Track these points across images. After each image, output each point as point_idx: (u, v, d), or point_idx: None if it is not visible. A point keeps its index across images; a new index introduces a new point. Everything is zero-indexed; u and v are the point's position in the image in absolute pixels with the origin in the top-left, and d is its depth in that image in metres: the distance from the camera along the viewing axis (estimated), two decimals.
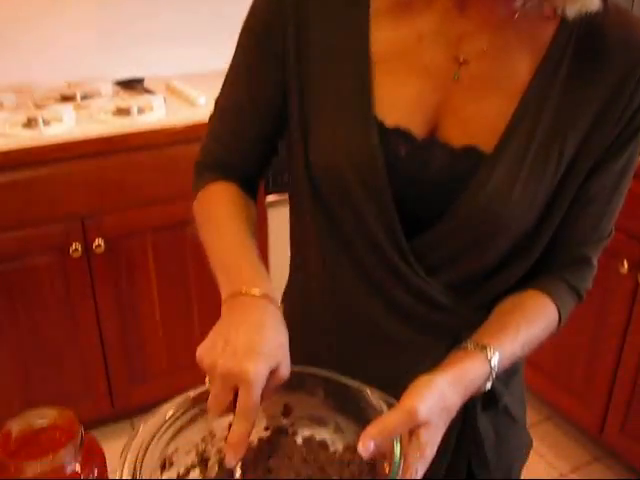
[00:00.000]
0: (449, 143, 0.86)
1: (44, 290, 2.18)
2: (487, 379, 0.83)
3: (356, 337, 0.97)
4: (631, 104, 0.83)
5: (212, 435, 0.84)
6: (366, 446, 0.70)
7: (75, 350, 2.30)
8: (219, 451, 0.84)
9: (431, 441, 0.73)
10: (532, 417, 2.43)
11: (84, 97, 2.41)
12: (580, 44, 0.83)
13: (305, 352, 0.96)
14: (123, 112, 2.22)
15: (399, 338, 0.94)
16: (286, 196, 1.03)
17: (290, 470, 0.80)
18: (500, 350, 0.84)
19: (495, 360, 0.83)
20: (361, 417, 0.78)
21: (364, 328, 0.95)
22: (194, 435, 0.82)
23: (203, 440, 0.83)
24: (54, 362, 2.28)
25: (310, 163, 0.90)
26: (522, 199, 0.84)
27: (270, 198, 2.43)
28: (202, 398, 0.80)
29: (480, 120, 0.85)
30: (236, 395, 0.71)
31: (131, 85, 2.57)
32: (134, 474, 0.70)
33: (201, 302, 2.42)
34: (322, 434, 0.85)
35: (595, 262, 0.96)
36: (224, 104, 1.00)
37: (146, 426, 0.76)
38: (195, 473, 0.82)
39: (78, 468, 0.68)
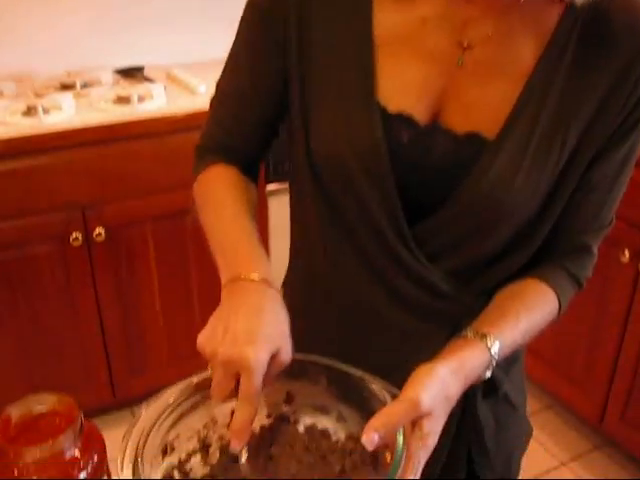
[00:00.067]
0: (452, 129, 0.85)
1: (44, 279, 2.18)
2: (487, 367, 0.83)
3: (357, 325, 0.97)
4: (636, 91, 0.83)
5: (214, 421, 0.84)
6: (370, 438, 0.70)
7: (76, 339, 2.30)
8: (221, 437, 0.84)
9: (433, 431, 0.74)
10: (532, 406, 2.43)
11: (84, 86, 2.40)
12: (586, 29, 0.83)
13: (305, 340, 0.96)
14: (123, 100, 2.21)
15: (400, 326, 0.94)
16: (287, 185, 1.03)
17: (292, 458, 0.80)
18: (500, 338, 0.84)
19: (495, 348, 0.83)
20: (364, 406, 0.78)
21: (365, 315, 0.95)
22: (196, 421, 0.82)
23: (205, 426, 0.83)
24: (55, 351, 2.28)
25: (311, 151, 0.89)
26: (525, 186, 0.83)
27: (271, 187, 2.43)
28: (204, 384, 0.80)
29: (483, 106, 0.85)
30: (238, 381, 0.71)
31: (131, 73, 2.56)
32: (135, 459, 0.70)
33: (202, 291, 2.42)
34: (324, 423, 0.85)
35: (595, 250, 0.96)
36: (225, 88, 0.99)
37: (148, 411, 0.76)
38: (196, 459, 0.82)
39: (77, 454, 0.68)
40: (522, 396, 1.10)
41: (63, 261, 2.18)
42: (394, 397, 0.75)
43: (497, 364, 0.85)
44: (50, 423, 0.70)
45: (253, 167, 1.04)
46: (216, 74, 1.00)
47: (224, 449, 0.82)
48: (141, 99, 2.23)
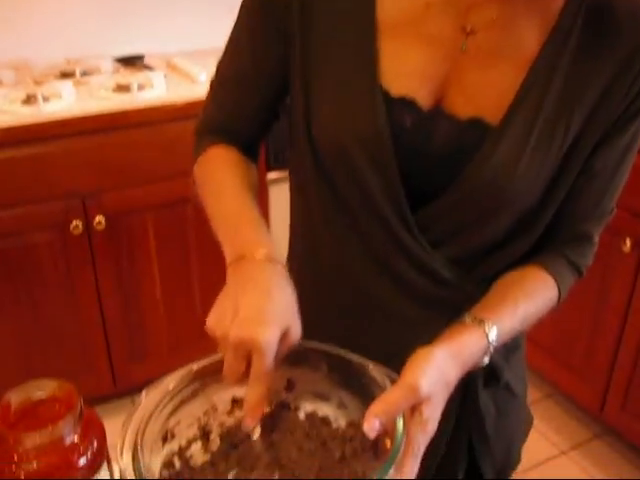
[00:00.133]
0: (455, 115, 0.85)
1: (45, 268, 2.18)
2: (485, 353, 0.83)
3: (358, 312, 0.96)
4: (639, 79, 0.82)
5: (214, 409, 0.84)
6: (371, 425, 0.70)
7: (76, 328, 2.30)
8: (221, 425, 0.84)
9: (432, 416, 0.73)
10: (533, 394, 2.44)
11: (84, 74, 2.39)
12: (590, 15, 0.82)
13: (306, 326, 0.96)
14: (123, 89, 2.20)
15: (402, 313, 0.94)
16: (287, 173, 1.03)
17: (292, 444, 0.80)
18: (498, 324, 0.84)
19: (493, 334, 0.83)
20: (364, 393, 0.78)
21: (367, 303, 0.95)
22: (196, 408, 0.82)
23: (205, 413, 0.83)
24: (55, 340, 2.29)
25: (313, 137, 0.89)
26: (527, 173, 0.83)
27: (271, 175, 2.43)
28: (205, 371, 0.80)
29: (487, 91, 0.84)
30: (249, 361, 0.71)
31: (131, 62, 2.56)
32: (135, 445, 0.70)
33: (202, 279, 2.42)
34: (325, 410, 0.84)
35: (596, 239, 0.96)
36: (226, 71, 0.99)
37: (148, 398, 0.76)
38: (197, 446, 0.81)
39: (77, 440, 0.68)
40: (523, 385, 1.10)
41: (63, 250, 2.18)
42: (394, 383, 0.74)
43: (497, 351, 0.85)
44: (50, 409, 0.69)
45: (253, 149, 1.04)
46: (216, 63, 1.00)
47: (224, 436, 0.82)
48: (141, 87, 2.22)
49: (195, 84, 2.32)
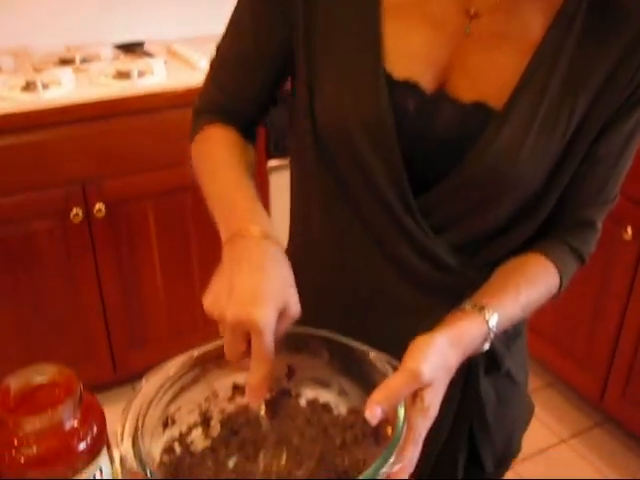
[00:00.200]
0: (458, 98, 0.84)
1: (45, 255, 2.18)
2: (485, 340, 0.83)
3: (360, 298, 0.96)
4: None
5: (215, 395, 0.84)
6: (373, 412, 0.69)
7: (76, 315, 2.30)
8: (222, 411, 0.83)
9: (434, 402, 0.73)
10: (533, 383, 2.44)
11: (83, 61, 2.38)
12: None
13: (306, 314, 0.95)
14: (123, 75, 2.20)
15: (404, 299, 0.94)
16: (288, 161, 1.02)
17: (294, 431, 0.79)
18: (499, 311, 0.83)
19: (493, 321, 0.82)
20: (365, 380, 0.78)
21: (368, 289, 0.95)
22: (197, 394, 0.82)
23: (206, 400, 0.83)
24: (55, 327, 2.29)
25: (316, 121, 0.88)
26: (530, 158, 0.82)
27: (272, 163, 2.42)
28: (206, 357, 0.80)
29: (491, 75, 0.84)
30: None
31: (131, 48, 2.54)
32: (136, 430, 0.70)
33: (202, 267, 2.42)
34: (326, 397, 0.84)
35: (599, 226, 0.95)
36: (227, 53, 0.98)
37: (149, 383, 0.76)
38: (197, 432, 0.82)
39: (77, 424, 0.68)
40: (524, 373, 1.10)
41: (64, 237, 2.18)
42: (396, 370, 0.74)
43: (498, 339, 0.84)
44: (49, 394, 0.69)
45: (251, 131, 1.03)
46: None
47: (225, 422, 0.82)
48: (141, 74, 2.21)
49: (195, 71, 2.31)
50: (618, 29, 0.81)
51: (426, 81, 0.85)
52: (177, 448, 0.78)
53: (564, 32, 0.82)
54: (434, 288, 0.93)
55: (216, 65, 1.00)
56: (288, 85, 0.97)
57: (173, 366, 0.79)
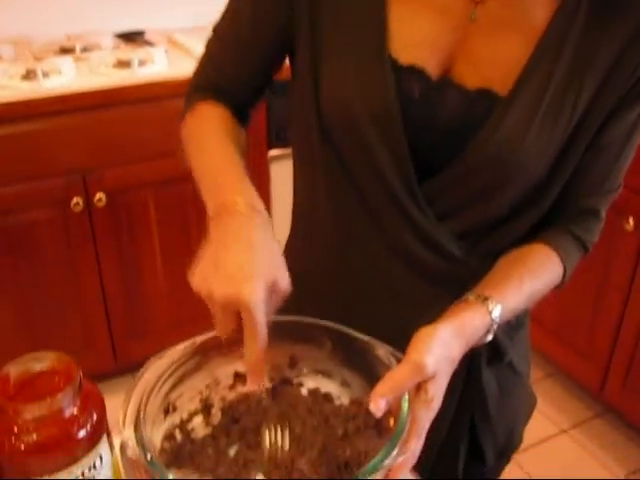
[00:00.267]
0: (463, 85, 0.84)
1: (46, 245, 2.17)
2: (488, 331, 0.83)
3: (364, 287, 0.96)
4: None
5: (216, 383, 0.84)
6: (378, 404, 0.69)
7: (77, 305, 2.30)
8: (223, 399, 0.84)
9: (437, 394, 0.73)
10: (534, 374, 2.43)
11: (84, 50, 2.37)
12: None
13: (310, 303, 0.95)
14: (124, 64, 2.19)
15: (407, 288, 0.94)
16: (289, 150, 1.01)
17: (296, 419, 0.79)
18: (502, 302, 0.83)
19: (497, 312, 0.82)
20: (368, 371, 0.78)
21: (372, 279, 0.95)
22: (198, 382, 0.82)
23: (207, 387, 0.83)
24: (56, 317, 2.29)
25: (321, 107, 0.88)
26: (534, 146, 0.82)
27: (273, 152, 2.42)
28: (208, 345, 0.80)
29: (496, 62, 0.83)
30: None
31: (132, 38, 2.54)
32: (137, 416, 0.70)
33: None
34: (328, 387, 0.84)
35: (603, 215, 0.95)
36: (224, 34, 0.97)
37: (151, 370, 0.76)
38: (198, 419, 0.82)
39: (77, 412, 0.68)
40: (526, 364, 1.09)
41: (64, 226, 2.17)
42: (399, 362, 0.74)
43: (501, 329, 0.84)
44: (49, 381, 0.69)
45: (244, 113, 1.02)
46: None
47: (226, 410, 0.82)
48: (142, 63, 2.21)
49: (196, 60, 2.29)
50: (623, 16, 0.80)
51: (431, 67, 0.84)
52: (178, 435, 0.78)
53: (569, 19, 0.81)
54: (438, 277, 0.92)
55: (212, 45, 1.00)
56: (288, 75, 0.97)
57: (175, 353, 0.79)
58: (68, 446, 0.67)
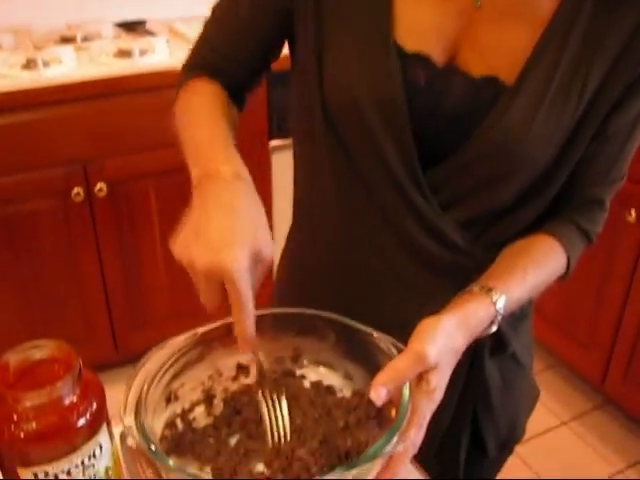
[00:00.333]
0: (468, 73, 0.83)
1: (46, 235, 2.17)
2: (493, 322, 0.82)
3: (367, 277, 0.95)
4: None
5: (219, 373, 0.84)
6: (378, 394, 0.69)
7: (78, 295, 2.30)
8: (225, 390, 0.84)
9: (439, 385, 0.73)
10: (535, 365, 2.44)
11: (84, 39, 2.37)
12: None
13: (312, 293, 0.95)
14: (125, 54, 2.18)
15: (411, 278, 0.93)
16: (290, 141, 1.01)
17: (298, 411, 0.79)
18: (507, 293, 0.83)
19: (501, 303, 0.82)
20: (371, 364, 0.78)
21: (375, 268, 0.94)
22: (201, 372, 0.82)
23: (210, 378, 0.83)
24: (57, 307, 2.29)
25: (325, 95, 0.87)
26: (540, 135, 0.81)
27: (274, 143, 2.41)
28: (211, 336, 0.80)
29: (502, 50, 0.82)
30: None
31: (133, 27, 2.53)
32: (139, 404, 0.70)
33: None
34: (331, 380, 0.84)
35: (608, 205, 0.95)
36: (223, 16, 0.96)
37: (153, 359, 0.76)
38: (200, 409, 0.82)
39: (76, 400, 0.67)
40: (529, 355, 1.09)
41: (65, 217, 2.17)
42: (401, 352, 0.74)
43: (505, 320, 0.84)
44: (48, 370, 0.69)
45: (239, 96, 1.00)
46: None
47: (228, 401, 0.82)
48: (143, 53, 2.20)
49: None
50: (631, 4, 0.79)
51: (437, 54, 0.84)
52: (179, 424, 0.78)
53: (576, 7, 0.80)
54: (442, 267, 0.92)
55: (210, 26, 0.98)
56: (289, 65, 0.96)
57: (176, 343, 0.79)
58: (67, 434, 0.67)
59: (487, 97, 0.82)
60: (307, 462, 0.71)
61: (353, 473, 0.64)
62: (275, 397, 0.78)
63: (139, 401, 0.70)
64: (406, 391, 0.71)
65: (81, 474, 0.70)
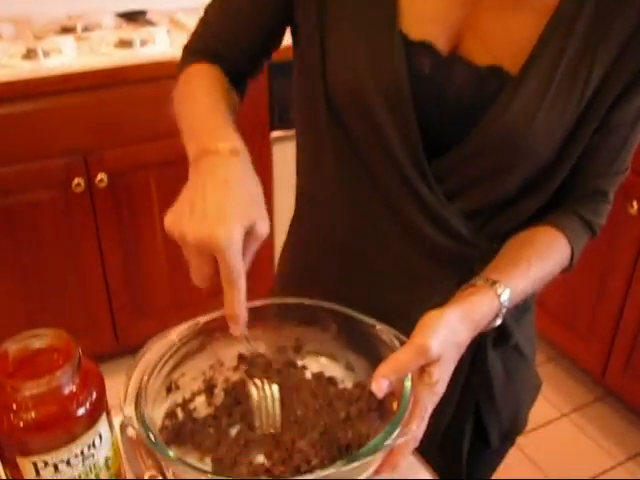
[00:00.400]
0: (473, 62, 0.82)
1: (47, 225, 2.17)
2: (497, 315, 0.82)
3: (372, 267, 0.95)
4: None
5: (220, 363, 0.84)
6: (379, 385, 0.69)
7: (78, 285, 2.30)
8: (226, 380, 0.84)
9: (442, 377, 0.73)
10: (537, 357, 2.44)
11: (85, 29, 2.36)
12: None
13: (315, 286, 0.95)
14: (125, 44, 2.17)
15: (416, 269, 0.93)
16: (292, 132, 1.00)
17: (299, 402, 0.79)
18: (511, 286, 0.82)
19: (505, 296, 0.81)
20: (373, 355, 0.78)
21: (381, 258, 0.94)
22: (202, 362, 0.82)
23: (211, 368, 0.83)
24: (57, 298, 2.29)
25: (328, 84, 0.86)
26: (544, 125, 0.81)
27: (275, 134, 2.41)
28: (212, 326, 0.80)
29: (506, 39, 0.81)
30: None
31: (133, 17, 2.52)
32: (139, 393, 0.70)
33: None
34: (332, 371, 0.84)
35: (611, 197, 0.94)
36: (224, 4, 0.95)
37: (153, 348, 0.76)
38: (200, 399, 0.81)
39: (76, 389, 0.67)
40: (532, 346, 1.09)
41: (66, 207, 2.16)
42: (404, 345, 0.73)
43: (508, 312, 0.83)
44: (48, 359, 0.69)
45: (240, 83, 1.00)
46: None
47: (229, 391, 0.82)
48: (143, 43, 2.19)
49: None
50: None
51: (441, 43, 0.83)
52: (179, 413, 0.78)
53: None
54: (446, 258, 0.92)
55: (211, 11, 0.98)
56: (290, 56, 0.95)
57: (177, 333, 0.78)
58: (67, 424, 0.67)
59: (491, 87, 0.81)
60: (307, 454, 0.71)
61: (354, 466, 0.64)
62: (265, 383, 0.78)
63: (139, 391, 0.70)
64: (408, 383, 0.71)
65: (81, 464, 0.69)
